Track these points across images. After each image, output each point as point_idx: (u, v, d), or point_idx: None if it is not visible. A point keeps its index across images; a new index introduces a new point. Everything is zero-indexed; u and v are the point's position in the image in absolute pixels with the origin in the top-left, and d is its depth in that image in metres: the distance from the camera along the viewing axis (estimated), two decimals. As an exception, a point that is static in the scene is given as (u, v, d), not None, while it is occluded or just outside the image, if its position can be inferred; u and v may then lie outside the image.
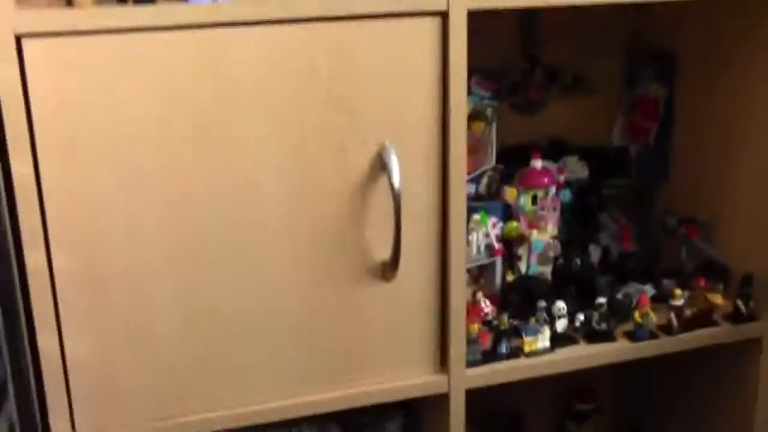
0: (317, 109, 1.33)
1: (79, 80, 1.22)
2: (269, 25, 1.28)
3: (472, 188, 1.71)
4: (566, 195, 1.77)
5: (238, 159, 1.31)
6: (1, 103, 1.19)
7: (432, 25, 1.35)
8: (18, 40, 1.19)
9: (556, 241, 1.75)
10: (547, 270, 1.76)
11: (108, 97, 1.23)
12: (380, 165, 1.38)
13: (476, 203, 1.71)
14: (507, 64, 1.85)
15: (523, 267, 1.74)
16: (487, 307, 1.65)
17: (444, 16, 1.35)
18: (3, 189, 1.22)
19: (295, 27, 1.29)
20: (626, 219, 1.89)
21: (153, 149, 1.26)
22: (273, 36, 1.28)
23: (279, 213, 1.35)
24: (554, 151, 1.89)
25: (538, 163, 1.75)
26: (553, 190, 1.74)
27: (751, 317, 1.71)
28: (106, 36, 1.22)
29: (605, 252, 1.84)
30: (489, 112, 1.75)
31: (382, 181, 1.39)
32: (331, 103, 1.33)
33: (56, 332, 1.28)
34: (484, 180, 1.76)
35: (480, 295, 1.65)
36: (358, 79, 1.34)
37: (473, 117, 1.70)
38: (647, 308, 1.66)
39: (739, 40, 1.68)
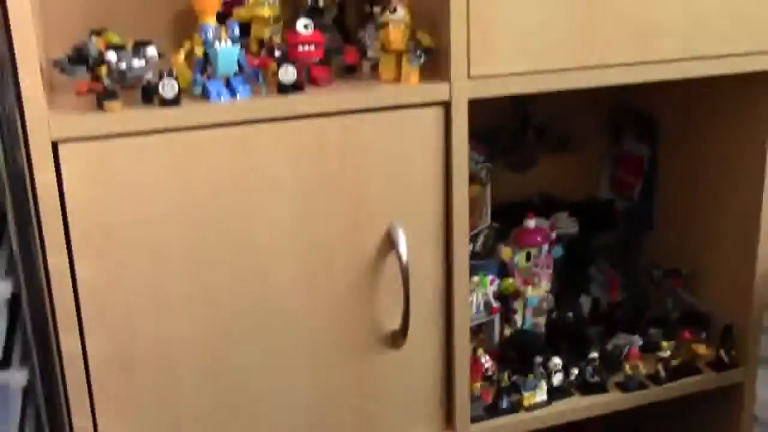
0: (330, 196, 1.41)
1: (111, 179, 1.29)
2: (285, 121, 1.36)
3: (469, 247, 1.80)
4: (558, 251, 1.86)
5: (258, 243, 1.39)
6: (39, 204, 1.26)
7: (436, 114, 1.44)
8: (54, 144, 1.26)
9: (550, 295, 1.84)
10: (541, 320, 1.85)
11: (137, 192, 1.31)
12: (389, 242, 1.46)
13: (474, 261, 1.79)
14: (499, 125, 1.94)
15: (519, 320, 1.83)
16: (487, 362, 1.73)
17: (447, 105, 1.44)
18: (44, 279, 1.29)
19: (309, 121, 1.37)
20: (614, 270, 1.98)
21: (180, 240, 1.34)
22: (289, 130, 1.37)
23: (297, 292, 1.43)
24: (545, 206, 1.98)
25: (531, 223, 1.83)
26: (545, 247, 1.83)
27: (732, 365, 1.80)
28: (135, 138, 1.29)
29: (595, 302, 1.93)
30: (483, 174, 1.84)
31: (391, 256, 1.47)
32: (342, 191, 1.41)
33: (90, 415, 1.36)
34: (480, 239, 1.85)
35: (480, 351, 1.73)
36: (368, 167, 1.42)
37: (469, 180, 1.78)
38: (636, 360, 1.76)
39: (714, 107, 1.78)
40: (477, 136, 1.83)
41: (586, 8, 1.48)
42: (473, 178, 1.81)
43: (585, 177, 2.08)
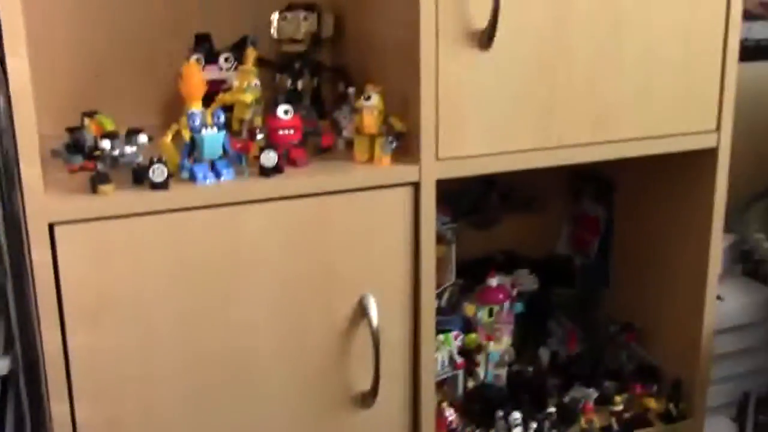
0: (307, 270, 1.52)
1: (103, 257, 1.39)
2: (267, 202, 1.46)
3: (435, 303, 1.91)
4: (519, 308, 1.97)
5: (240, 315, 1.49)
6: (35, 281, 1.35)
7: (406, 193, 1.55)
8: (50, 226, 1.35)
9: (511, 348, 1.96)
10: (503, 372, 1.96)
11: (128, 270, 1.41)
12: (361, 310, 1.57)
13: (439, 317, 1.90)
14: (465, 187, 2.05)
15: (481, 373, 1.94)
16: (451, 415, 1.83)
17: (416, 186, 1.54)
18: (41, 350, 1.38)
19: (289, 202, 1.47)
20: (573, 324, 2.10)
21: (168, 314, 1.44)
22: (270, 210, 1.47)
23: (276, 360, 1.53)
24: (508, 263, 2.10)
25: (493, 281, 1.95)
26: (507, 304, 1.95)
27: (681, 417, 1.92)
28: (127, 220, 1.39)
29: (554, 355, 2.04)
30: (449, 234, 1.95)
31: (363, 323, 1.57)
32: (319, 264, 1.52)
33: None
34: (446, 295, 1.96)
35: (445, 404, 1.84)
36: (343, 242, 1.53)
37: (436, 240, 1.89)
38: (591, 414, 1.88)
39: (665, 174, 1.90)
40: (443, 199, 1.95)
41: (547, 94, 1.60)
42: (439, 239, 1.91)
43: (545, 235, 2.20)
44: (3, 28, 1.27)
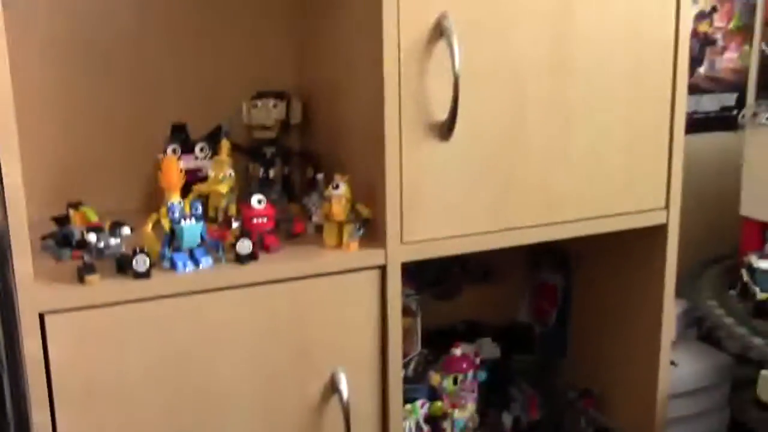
0: (281, 349, 1.66)
1: (90, 344, 1.52)
2: (243, 288, 1.61)
3: (402, 372, 2.05)
4: (482, 376, 2.12)
5: (219, 393, 1.62)
6: (27, 367, 1.49)
7: (373, 276, 1.70)
8: (41, 315, 1.49)
9: (476, 415, 2.10)
10: (468, 438, 2.11)
11: (114, 355, 1.54)
12: (332, 385, 1.71)
13: (406, 386, 2.04)
14: (428, 261, 2.20)
15: (447, 439, 2.09)
16: (420, 482, 1.98)
17: (383, 269, 1.70)
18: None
19: (263, 287, 1.62)
20: (533, 390, 2.25)
21: (152, 394, 1.57)
22: (246, 295, 1.61)
23: (251, 433, 1.67)
24: (470, 331, 2.25)
25: (457, 351, 2.09)
26: (471, 373, 2.10)
27: (639, 478, 2.08)
28: (112, 308, 1.52)
29: (516, 420, 2.19)
30: (414, 306, 2.11)
31: (334, 397, 1.72)
32: (292, 344, 1.66)
33: None
34: (412, 365, 2.11)
35: (411, 472, 1.98)
36: (314, 323, 1.67)
37: (402, 312, 2.04)
38: (553, 480, 2.03)
39: (619, 246, 2.07)
40: (408, 272, 2.10)
41: (503, 180, 1.76)
42: (405, 311, 2.05)
43: (506, 304, 2.36)
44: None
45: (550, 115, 1.77)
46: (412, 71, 1.65)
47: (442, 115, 1.68)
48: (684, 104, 1.92)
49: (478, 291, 2.29)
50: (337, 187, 1.68)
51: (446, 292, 2.27)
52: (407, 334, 2.09)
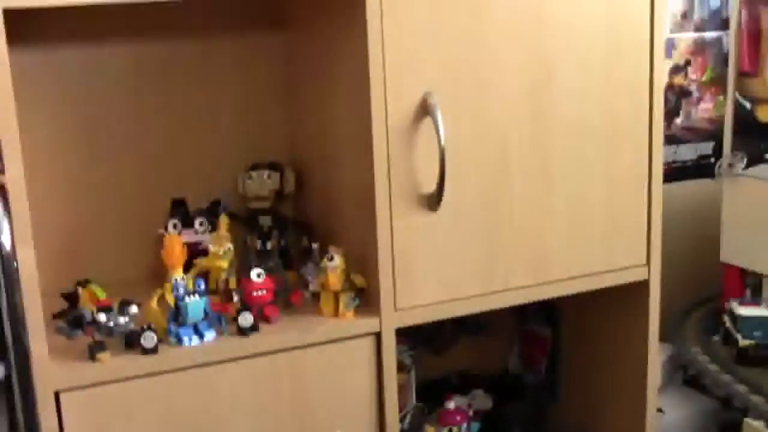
0: (281, 413, 1.77)
1: (103, 417, 1.64)
2: (245, 359, 1.73)
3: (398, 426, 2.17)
4: (475, 427, 2.24)
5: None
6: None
7: (368, 342, 1.83)
8: (56, 393, 1.61)
9: (470, 465, 2.22)
10: (461, 487, 2.22)
11: (125, 426, 1.66)
12: (332, 451, 1.84)
13: (402, 440, 2.17)
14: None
15: (442, 489, 2.20)
16: None
17: (378, 335, 1.82)
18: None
19: (265, 357, 1.74)
20: (525, 438, 2.38)
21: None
22: (249, 365, 1.73)
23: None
24: (463, 383, 2.38)
25: (451, 404, 2.22)
26: (465, 425, 2.22)
27: None
28: (122, 383, 1.65)
29: (510, 468, 2.32)
30: (408, 361, 2.23)
31: (336, 464, 1.84)
32: (292, 408, 1.78)
33: None
34: (408, 418, 2.22)
35: None
36: (313, 387, 1.79)
37: (397, 368, 2.16)
38: None
39: (603, 298, 2.17)
40: (402, 330, 2.23)
41: (490, 246, 1.89)
42: (400, 366, 2.18)
43: (497, 355, 2.49)
44: (14, 222, 1.53)
45: (532, 178, 1.90)
46: (400, 146, 1.78)
47: (430, 186, 1.80)
48: (660, 167, 2.03)
49: (471, 343, 2.41)
50: (332, 258, 1.81)
51: (439, 346, 2.39)
52: (402, 388, 2.20)
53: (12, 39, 1.47)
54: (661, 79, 2.02)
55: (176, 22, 2.02)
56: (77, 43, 1.98)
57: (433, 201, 1.81)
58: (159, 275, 1.82)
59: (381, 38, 1.70)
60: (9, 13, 1.47)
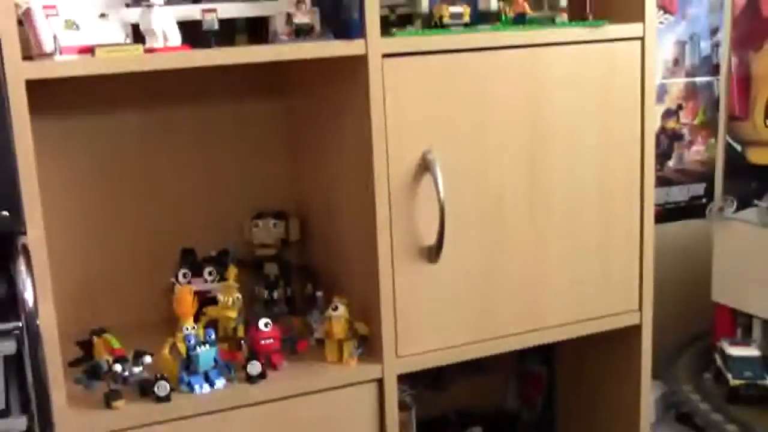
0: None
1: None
2: (254, 406, 1.84)
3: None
4: (474, 465, 2.35)
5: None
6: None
7: (371, 388, 1.94)
8: (75, 440, 1.72)
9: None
10: None
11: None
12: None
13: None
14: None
15: None
16: None
17: (380, 381, 1.93)
18: None
19: (273, 404, 1.85)
20: (523, 474, 2.48)
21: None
22: (255, 413, 1.84)
23: None
24: (461, 420, 2.49)
25: (450, 443, 2.33)
26: (465, 463, 2.33)
27: None
28: (137, 429, 1.75)
29: (508, 504, 2.42)
30: (409, 400, 2.33)
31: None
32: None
33: None
34: (409, 456, 2.33)
35: None
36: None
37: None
38: None
39: (600, 341, 2.29)
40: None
41: (487, 295, 2.00)
42: (401, 405, 2.29)
43: (494, 393, 2.60)
44: (36, 280, 1.64)
45: (527, 231, 2.01)
46: (402, 202, 1.89)
47: (430, 239, 1.91)
48: (652, 219, 2.15)
49: (469, 381, 2.52)
50: (336, 308, 1.92)
51: (439, 385, 2.50)
52: (403, 427, 2.30)
53: (32, 108, 1.59)
54: (653, 130, 2.13)
55: (179, 91, 2.14)
56: (90, 111, 2.10)
57: (433, 253, 1.92)
58: (170, 321, 1.94)
59: (383, 105, 1.82)
60: (30, 85, 1.59)
